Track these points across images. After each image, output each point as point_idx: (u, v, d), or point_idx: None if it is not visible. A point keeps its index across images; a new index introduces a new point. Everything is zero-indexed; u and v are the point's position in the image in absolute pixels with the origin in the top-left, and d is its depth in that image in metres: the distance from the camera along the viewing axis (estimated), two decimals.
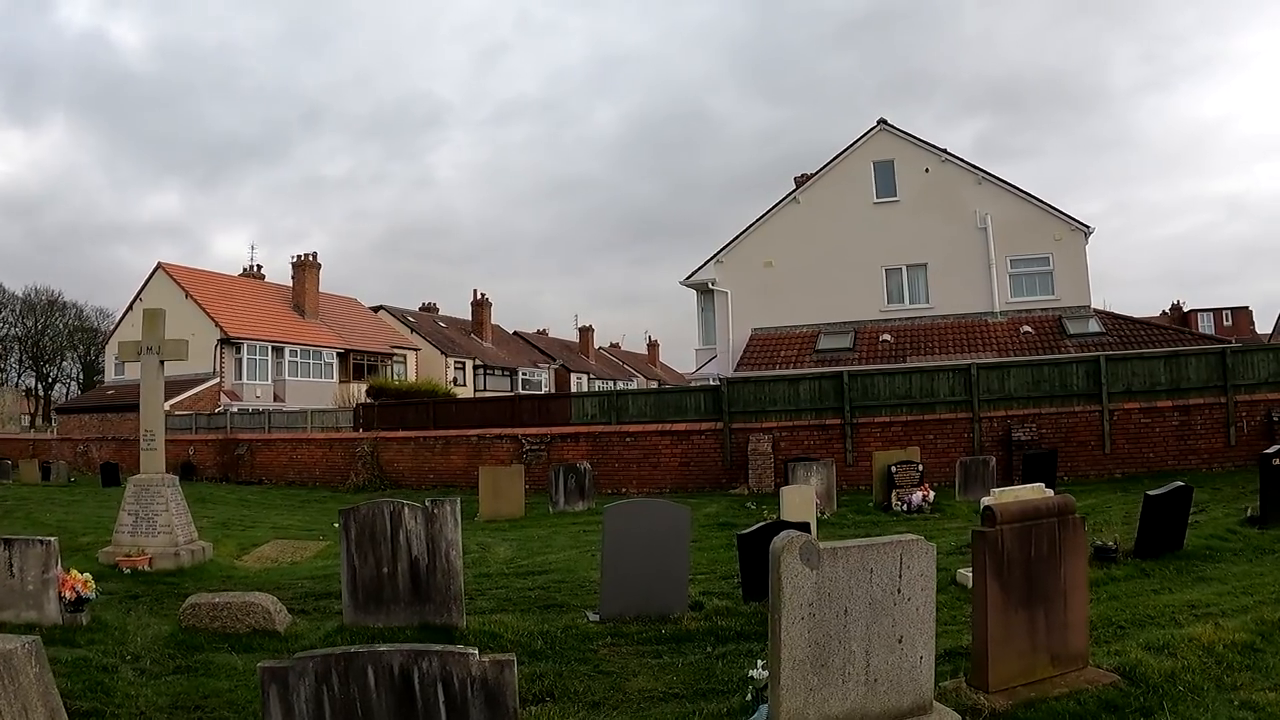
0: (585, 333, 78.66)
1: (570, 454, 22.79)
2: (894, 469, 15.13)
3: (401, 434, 26.39)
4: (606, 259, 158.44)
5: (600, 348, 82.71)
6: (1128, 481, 17.61)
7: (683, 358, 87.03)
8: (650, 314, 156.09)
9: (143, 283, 46.65)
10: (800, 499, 11.11)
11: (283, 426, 32.36)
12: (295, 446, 29.40)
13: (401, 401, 31.47)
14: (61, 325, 74.07)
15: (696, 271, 31.40)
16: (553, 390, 60.92)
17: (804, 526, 8.71)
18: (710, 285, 30.73)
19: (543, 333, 77.15)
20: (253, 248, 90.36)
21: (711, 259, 30.97)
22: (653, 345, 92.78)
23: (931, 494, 14.96)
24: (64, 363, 75.49)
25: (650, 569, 7.74)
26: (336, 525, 16.18)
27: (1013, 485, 13.41)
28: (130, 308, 46.90)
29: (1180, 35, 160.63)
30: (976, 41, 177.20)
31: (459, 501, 7.87)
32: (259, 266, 54.01)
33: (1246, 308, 68.41)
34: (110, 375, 50.03)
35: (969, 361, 22.01)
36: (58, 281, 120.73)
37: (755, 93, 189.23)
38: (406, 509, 7.60)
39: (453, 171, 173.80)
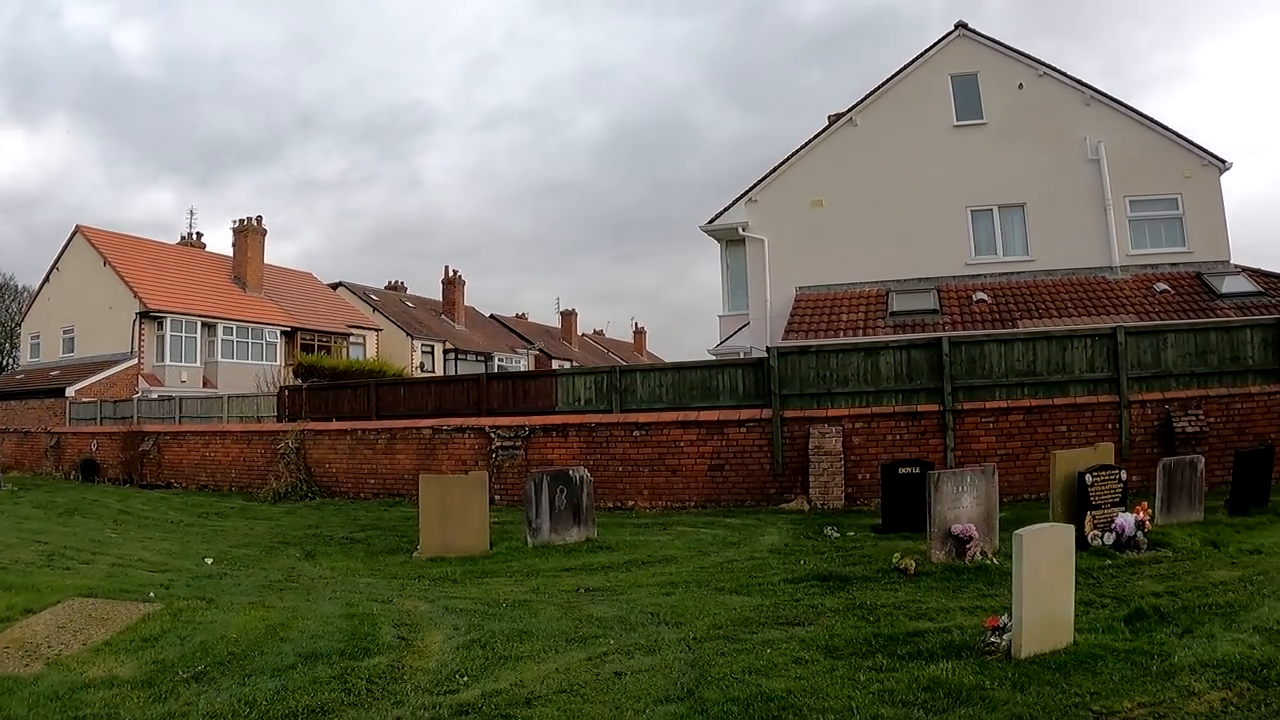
0: (568, 317, 75.85)
1: (555, 453, 18.26)
2: (1089, 478, 10.18)
3: (336, 425, 21.56)
4: (589, 258, 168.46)
5: (584, 334, 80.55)
6: None
7: (671, 352, 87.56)
8: (633, 311, 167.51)
9: (60, 249, 43.11)
10: (1050, 570, 6.29)
11: (196, 416, 28.00)
12: (208, 441, 24.80)
13: (336, 384, 26.28)
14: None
15: (722, 214, 26.61)
16: None
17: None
18: (740, 231, 26.01)
19: (522, 317, 74.15)
20: (191, 213, 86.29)
21: (742, 197, 26.33)
22: (639, 333, 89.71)
23: (1146, 517, 10.03)
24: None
25: None
26: (209, 561, 11.40)
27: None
28: (47, 278, 43.74)
29: (1138, 51, 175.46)
30: None
31: None
32: (199, 234, 50.27)
33: None
34: (26, 357, 46.54)
35: (1113, 325, 17.20)
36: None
37: (732, 102, 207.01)
38: None
39: (441, 175, 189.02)
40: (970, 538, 9.37)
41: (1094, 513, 10.18)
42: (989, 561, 9.22)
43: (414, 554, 12.30)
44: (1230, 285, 21.96)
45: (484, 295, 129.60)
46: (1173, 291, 21.98)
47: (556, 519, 12.77)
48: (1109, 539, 9.88)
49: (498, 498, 17.40)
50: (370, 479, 20.55)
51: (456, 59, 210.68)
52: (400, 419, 20.86)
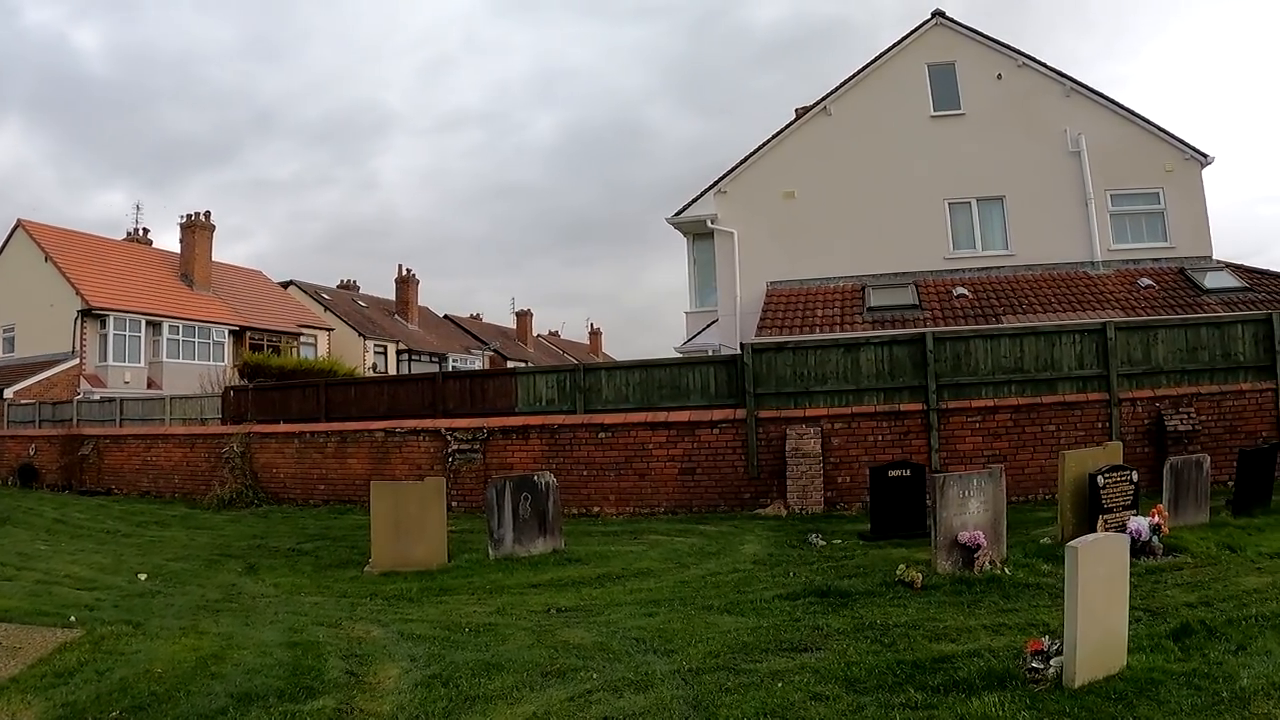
0: (523, 317, 75.11)
1: (516, 456, 17.35)
2: (1100, 479, 9.52)
3: (283, 428, 20.50)
4: (544, 260, 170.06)
5: (539, 335, 79.85)
6: None
7: (627, 353, 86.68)
8: (588, 313, 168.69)
9: (0, 244, 41.44)
10: (1106, 586, 5.65)
11: (137, 418, 26.67)
12: (149, 445, 23.57)
13: (284, 384, 25.19)
14: None
15: (689, 206, 25.80)
16: None
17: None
18: (709, 224, 25.22)
19: (476, 317, 73.30)
20: (138, 207, 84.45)
21: (710, 188, 25.55)
22: (595, 334, 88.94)
23: (1163, 521, 9.37)
24: None
25: None
26: (142, 577, 10.13)
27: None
28: None
29: (1084, 60, 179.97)
30: None
31: None
32: (145, 230, 48.85)
33: None
34: None
35: (1102, 320, 16.68)
36: None
37: (686, 106, 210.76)
38: None
39: (397, 176, 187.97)
40: (978, 546, 8.70)
41: (1106, 516, 9.57)
42: (1000, 572, 8.55)
43: (366, 568, 11.40)
44: (1215, 280, 21.58)
45: (439, 297, 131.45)
46: (1157, 287, 21.55)
47: (521, 529, 11.92)
48: (1102, 536, 9.21)
49: (455, 504, 16.50)
50: (320, 485, 19.56)
51: (413, 61, 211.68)
52: (351, 421, 19.85)
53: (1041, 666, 5.30)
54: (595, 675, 6.30)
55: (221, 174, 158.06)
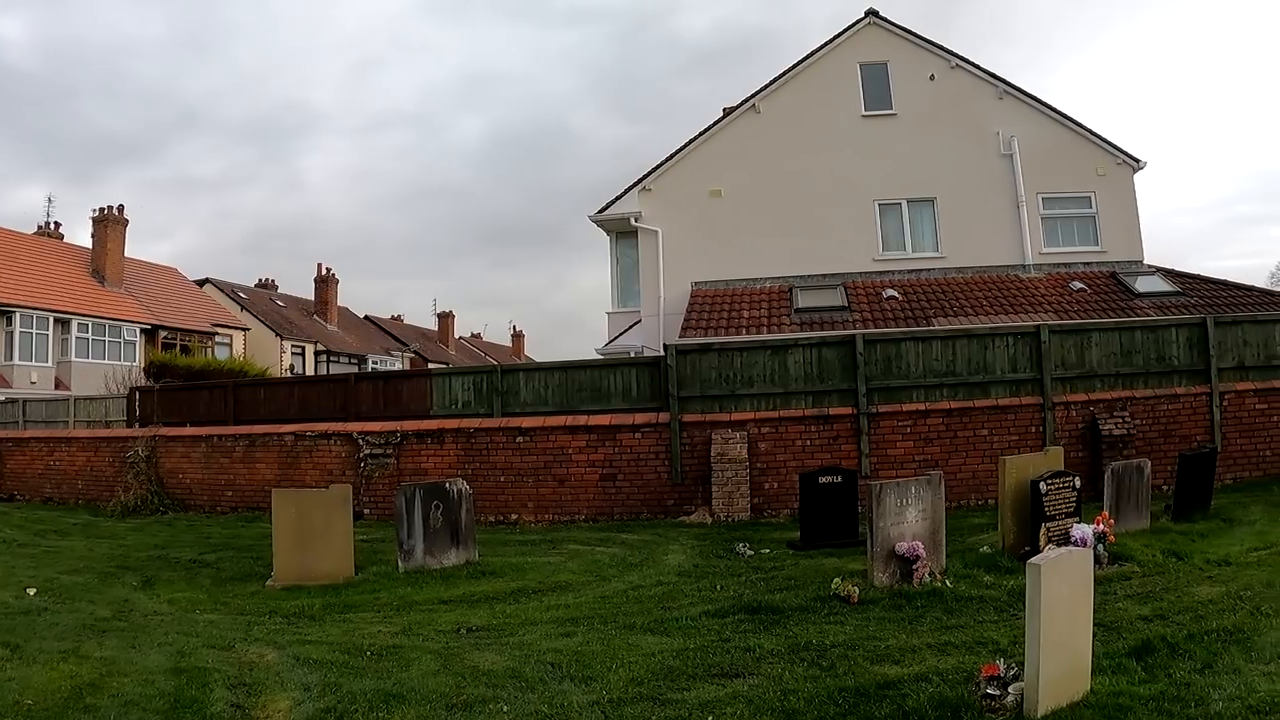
0: (445, 319, 74.30)
1: (430, 461, 16.61)
2: (1043, 486, 9.04)
3: (190, 431, 19.46)
4: (468, 262, 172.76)
5: (461, 337, 79.48)
6: (1250, 490, 14.01)
7: (550, 356, 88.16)
8: (512, 315, 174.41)
9: None
10: (1071, 607, 5.13)
11: (40, 420, 25.65)
12: (52, 448, 22.21)
13: (192, 385, 24.14)
14: None
15: (613, 203, 25.18)
16: None
17: None
18: (633, 222, 24.59)
19: (398, 319, 72.36)
20: (49, 200, 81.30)
21: (635, 185, 24.95)
22: (518, 336, 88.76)
23: (1108, 529, 8.95)
24: None
25: None
26: (31, 592, 10.25)
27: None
28: None
29: (1010, 68, 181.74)
30: None
31: None
32: (56, 224, 47.13)
33: None
34: None
35: (1037, 323, 16.44)
36: None
37: (613, 111, 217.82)
38: None
39: (322, 176, 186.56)
40: (917, 557, 8.17)
41: (1048, 524, 9.10)
42: (940, 584, 8.01)
43: (268, 582, 10.58)
44: (1147, 285, 21.58)
45: (362, 298, 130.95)
46: (1089, 290, 21.45)
47: (432, 539, 11.16)
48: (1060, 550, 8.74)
49: (367, 511, 15.93)
50: (227, 491, 18.59)
51: (342, 61, 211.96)
52: (260, 424, 18.86)
53: (998, 694, 4.70)
54: (505, 708, 5.69)
55: (146, 171, 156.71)
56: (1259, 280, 26.51)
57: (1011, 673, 4.80)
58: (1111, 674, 5.42)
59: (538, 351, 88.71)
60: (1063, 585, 4.88)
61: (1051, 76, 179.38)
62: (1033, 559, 4.91)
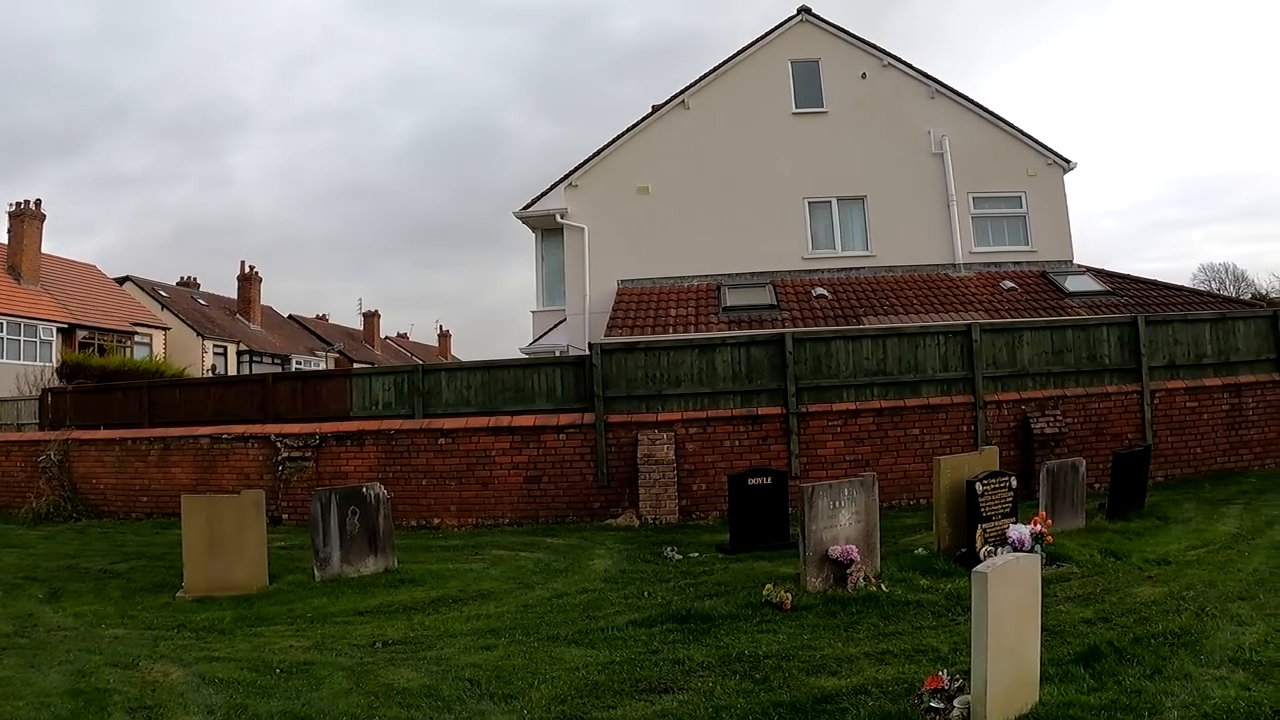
0: (370, 319, 73.04)
1: (351, 464, 16.05)
2: (979, 486, 8.81)
3: (104, 434, 18.66)
4: (396, 261, 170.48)
5: (387, 337, 78.35)
6: (1182, 487, 14.38)
7: (478, 356, 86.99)
8: (440, 316, 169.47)
9: None
10: (1019, 614, 4.82)
11: None
12: None
13: (106, 386, 23.29)
14: None
15: (539, 199, 24.70)
16: None
17: None
18: (559, 219, 24.16)
19: (322, 318, 70.86)
20: None
21: (561, 181, 24.49)
22: (445, 336, 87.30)
23: (1045, 529, 8.78)
24: None
25: None
26: None
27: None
28: None
29: (942, 75, 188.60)
30: None
31: None
32: None
33: None
34: None
35: (968, 322, 16.40)
36: None
37: (542, 111, 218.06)
38: None
39: (250, 173, 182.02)
40: (851, 561, 7.91)
41: (984, 525, 8.89)
42: (876, 588, 7.73)
43: (179, 593, 10.02)
44: (1077, 284, 21.70)
45: (289, 298, 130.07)
46: (1020, 290, 21.52)
47: (349, 546, 10.68)
48: (1004, 555, 8.49)
49: (286, 517, 15.42)
50: (143, 496, 17.81)
51: (271, 57, 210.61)
52: (176, 426, 18.17)
53: (942, 707, 4.39)
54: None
55: (71, 166, 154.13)
56: (1181, 282, 27.33)
57: (956, 684, 4.50)
58: (1060, 682, 5.18)
59: (466, 351, 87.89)
60: (1010, 593, 4.61)
61: (981, 84, 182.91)
62: (979, 566, 4.65)
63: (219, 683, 6.43)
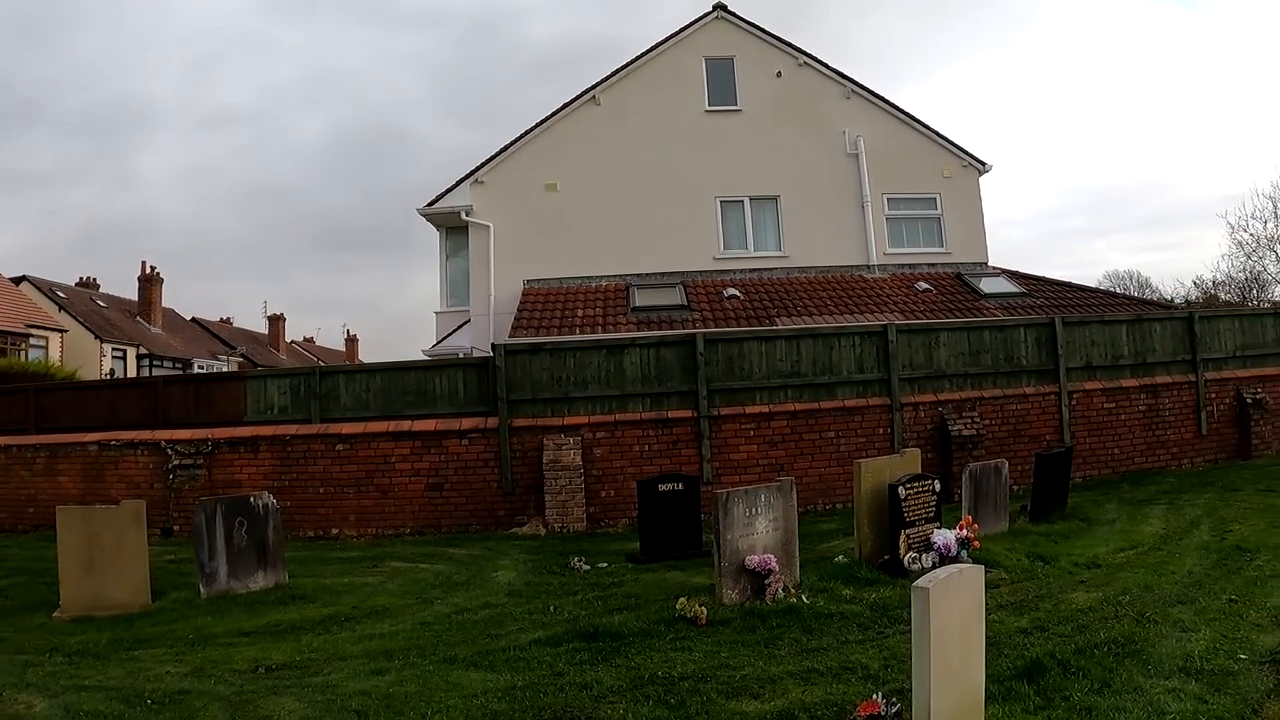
0: (275, 322, 71.55)
1: (245, 472, 15.28)
2: (901, 490, 8.44)
3: None
4: (304, 265, 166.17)
5: (293, 341, 77.09)
6: (1102, 488, 14.57)
7: (385, 359, 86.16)
8: (349, 320, 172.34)
9: None
10: (963, 633, 4.33)
11: None
12: None
13: None
14: None
15: (443, 196, 23.90)
16: None
17: None
18: (463, 216, 23.42)
19: (226, 321, 69.10)
20: None
21: (467, 177, 23.73)
22: (352, 340, 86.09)
23: (972, 534, 8.44)
24: None
25: None
26: None
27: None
28: None
29: (878, 83, 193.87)
30: None
31: None
32: None
33: None
34: None
35: (884, 323, 16.21)
36: None
37: (454, 115, 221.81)
38: None
39: (158, 174, 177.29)
40: (770, 571, 7.48)
41: (908, 530, 8.50)
42: (796, 600, 7.28)
43: (56, 613, 9.24)
44: (992, 286, 21.67)
45: (196, 301, 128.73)
46: (935, 291, 21.38)
47: (236, 560, 9.94)
48: (930, 561, 8.21)
49: (178, 529, 14.54)
50: (29, 507, 16.70)
51: (182, 55, 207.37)
52: (64, 432, 17.17)
53: None
54: None
55: None
56: None
57: (894, 708, 4.03)
58: (1004, 701, 4.77)
59: (374, 356, 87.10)
60: (953, 609, 4.17)
61: (898, 95, 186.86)
62: (919, 581, 4.17)
63: (84, 715, 5.80)
